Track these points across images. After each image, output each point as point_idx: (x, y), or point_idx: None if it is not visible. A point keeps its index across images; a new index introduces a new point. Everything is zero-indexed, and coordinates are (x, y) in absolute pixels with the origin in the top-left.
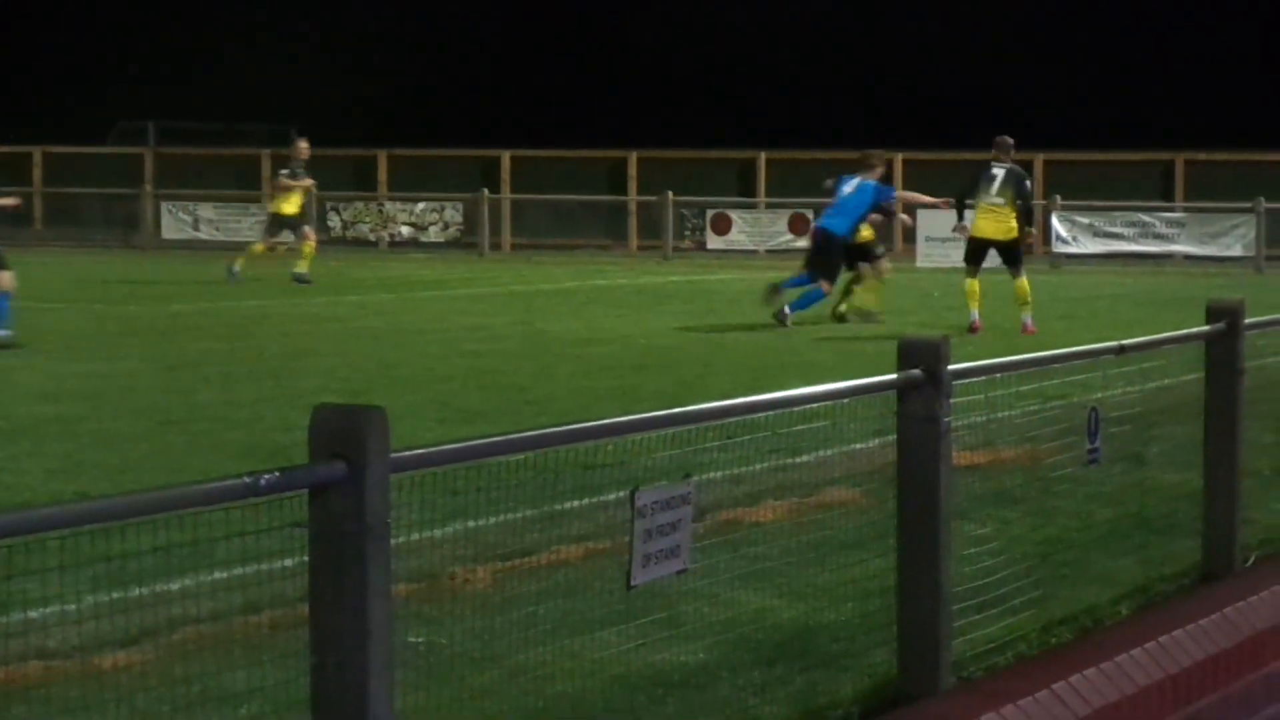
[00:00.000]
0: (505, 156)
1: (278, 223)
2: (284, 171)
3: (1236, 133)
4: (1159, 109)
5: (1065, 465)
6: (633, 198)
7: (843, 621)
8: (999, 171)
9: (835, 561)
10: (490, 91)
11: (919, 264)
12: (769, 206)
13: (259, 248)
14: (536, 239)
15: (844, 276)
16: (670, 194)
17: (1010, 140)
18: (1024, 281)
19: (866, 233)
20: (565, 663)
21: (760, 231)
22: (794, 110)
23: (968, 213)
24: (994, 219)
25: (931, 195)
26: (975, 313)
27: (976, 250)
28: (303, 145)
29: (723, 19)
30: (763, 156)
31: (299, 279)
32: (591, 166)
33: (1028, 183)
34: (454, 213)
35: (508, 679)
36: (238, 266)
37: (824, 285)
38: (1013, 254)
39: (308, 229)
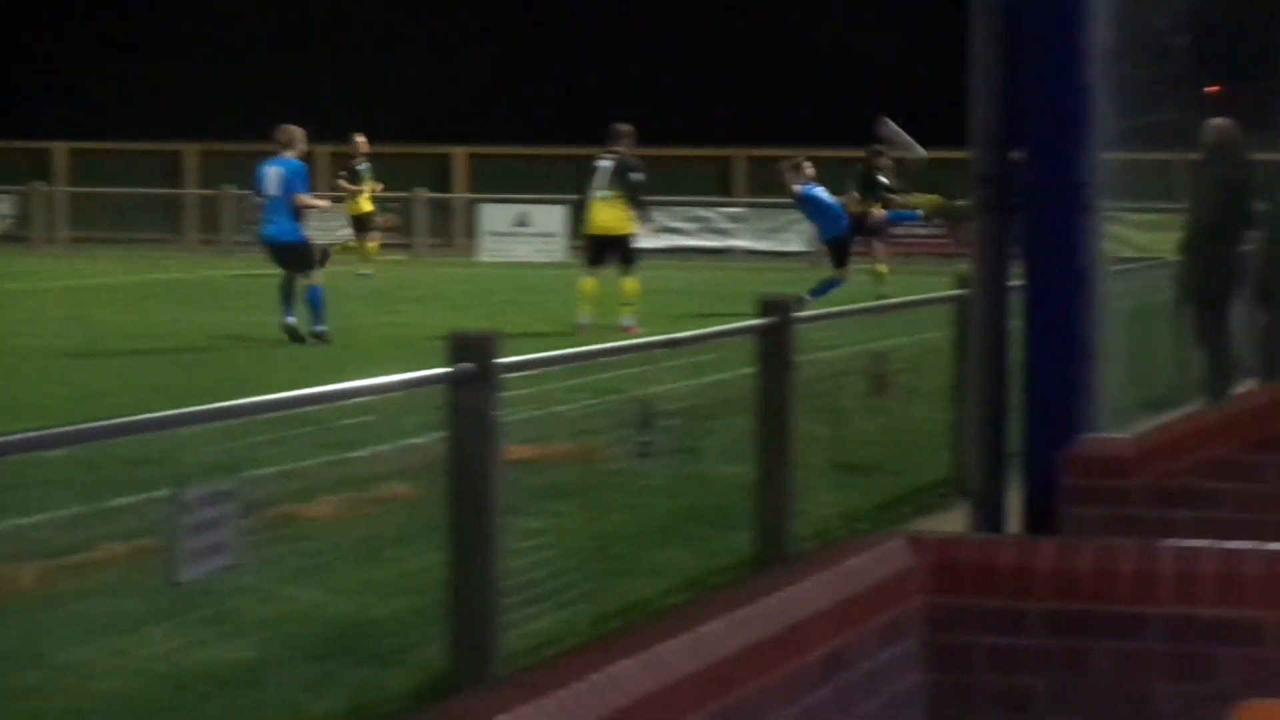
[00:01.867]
0: (59, 149)
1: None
2: (342, 173)
3: (793, 128)
4: (718, 105)
5: (619, 459)
6: (192, 191)
7: (396, 616)
8: (607, 163)
9: (389, 556)
10: (43, 82)
11: (480, 258)
12: (334, 198)
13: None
14: (94, 232)
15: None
16: (230, 187)
17: (623, 129)
18: (633, 281)
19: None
20: (112, 661)
21: (323, 226)
22: (358, 101)
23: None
24: (602, 212)
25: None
26: (585, 315)
27: (591, 247)
28: (359, 140)
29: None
30: (328, 150)
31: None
32: (148, 159)
33: (632, 174)
34: (6, 205)
35: (53, 678)
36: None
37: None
38: (626, 250)
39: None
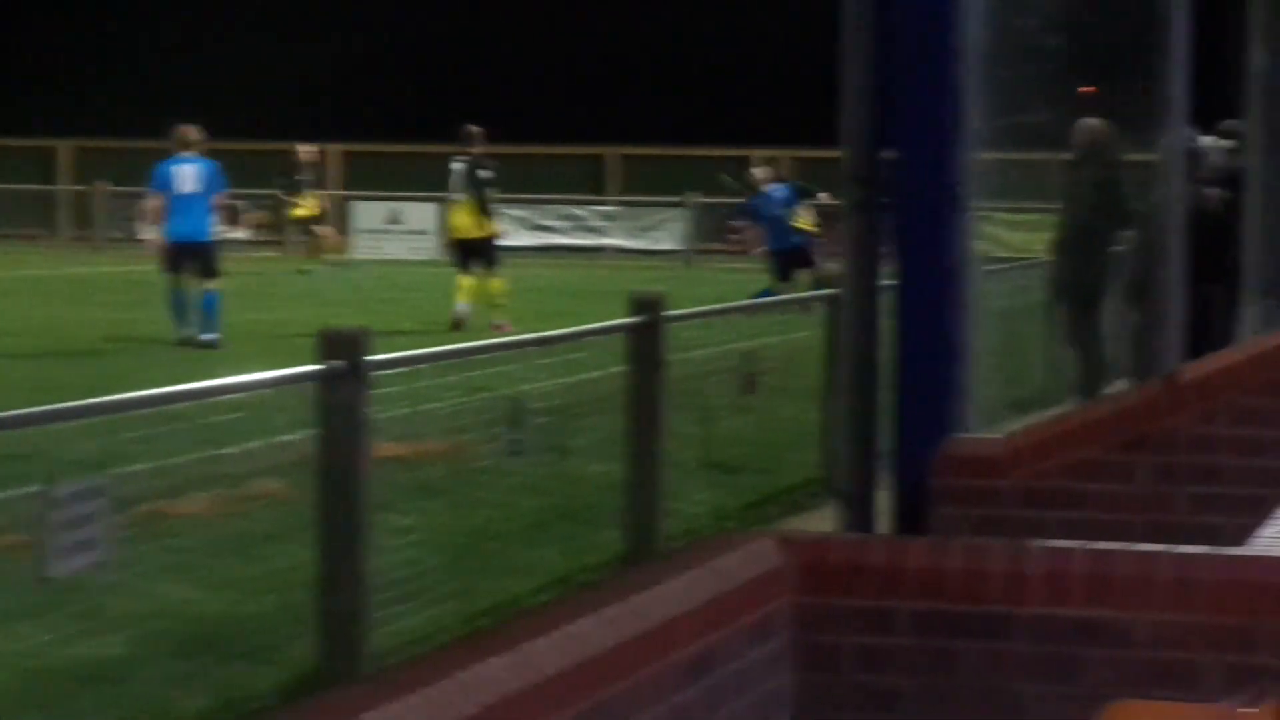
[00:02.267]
0: None
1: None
2: (282, 181)
3: (666, 127)
4: (590, 102)
5: (489, 456)
6: (65, 187)
7: (266, 613)
8: (460, 166)
9: (260, 553)
10: None
11: (353, 255)
12: None
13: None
14: None
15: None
16: (104, 183)
17: (473, 130)
18: (498, 281)
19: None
20: None
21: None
22: (232, 98)
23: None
24: (459, 217)
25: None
26: (461, 306)
27: (455, 250)
28: (303, 149)
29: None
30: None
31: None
32: (21, 155)
33: (480, 173)
34: None
35: None
36: None
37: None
38: (488, 253)
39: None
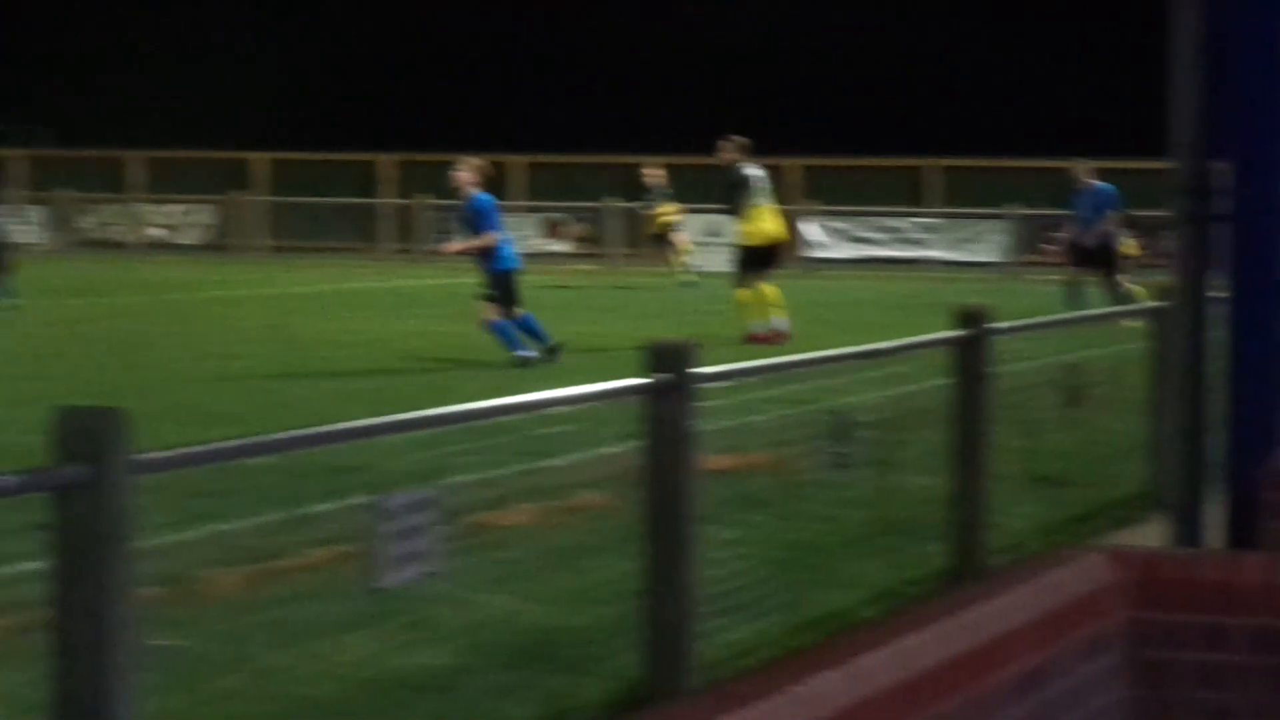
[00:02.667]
0: (260, 159)
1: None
2: (644, 200)
3: (986, 139)
4: (910, 114)
5: (814, 469)
6: (387, 200)
7: (592, 625)
8: (762, 172)
9: (585, 565)
10: (240, 92)
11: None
12: (525, 210)
13: None
14: (290, 241)
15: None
16: (426, 197)
17: (742, 140)
18: (773, 286)
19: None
20: (313, 665)
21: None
22: (552, 111)
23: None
24: (767, 220)
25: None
26: (781, 320)
27: (757, 258)
28: (652, 171)
29: (468, 11)
30: (524, 161)
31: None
32: (342, 169)
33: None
34: (207, 214)
35: (255, 682)
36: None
37: None
38: (778, 257)
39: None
